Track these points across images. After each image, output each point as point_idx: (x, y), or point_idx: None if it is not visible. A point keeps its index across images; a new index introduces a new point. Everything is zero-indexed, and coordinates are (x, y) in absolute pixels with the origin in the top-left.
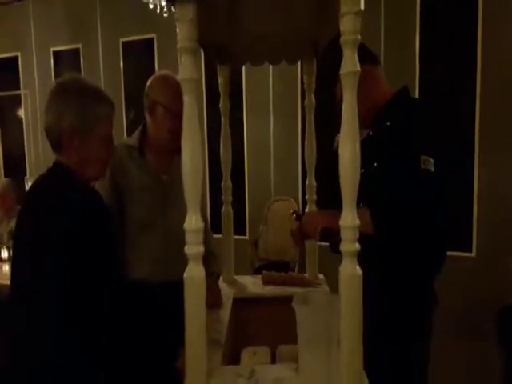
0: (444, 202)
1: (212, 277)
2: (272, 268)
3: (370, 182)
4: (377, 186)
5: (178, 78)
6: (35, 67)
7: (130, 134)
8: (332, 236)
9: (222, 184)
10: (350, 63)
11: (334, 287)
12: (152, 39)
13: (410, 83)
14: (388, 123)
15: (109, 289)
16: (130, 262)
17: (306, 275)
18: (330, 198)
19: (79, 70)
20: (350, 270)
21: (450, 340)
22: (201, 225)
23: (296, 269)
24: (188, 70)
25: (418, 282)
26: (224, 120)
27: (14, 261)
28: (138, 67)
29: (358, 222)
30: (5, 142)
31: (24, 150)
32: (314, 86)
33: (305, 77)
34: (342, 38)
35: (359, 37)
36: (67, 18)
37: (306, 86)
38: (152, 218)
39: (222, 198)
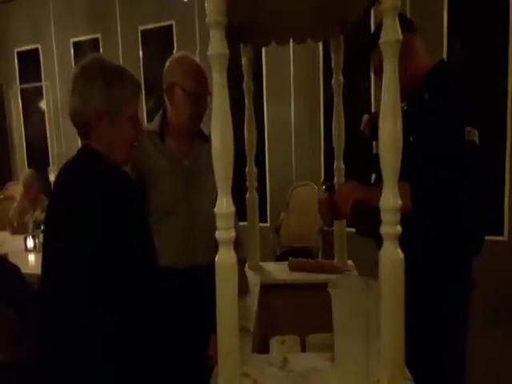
0: (484, 178)
1: (238, 263)
2: (294, 255)
3: (405, 158)
4: (414, 161)
5: (208, 53)
6: (55, 58)
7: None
8: (364, 212)
9: (247, 169)
10: (391, 31)
11: (363, 274)
12: (170, 26)
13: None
14: (426, 96)
15: (143, 273)
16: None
17: (335, 261)
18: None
19: None
20: (392, 254)
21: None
22: (232, 209)
23: (319, 256)
24: (217, 44)
25: (455, 264)
26: (248, 101)
27: (46, 245)
28: (157, 55)
29: (399, 202)
30: (28, 134)
31: (47, 140)
32: (341, 64)
33: (332, 55)
34: (382, 6)
35: (399, 3)
36: (86, 9)
37: (333, 64)
38: (174, 204)
39: (247, 183)
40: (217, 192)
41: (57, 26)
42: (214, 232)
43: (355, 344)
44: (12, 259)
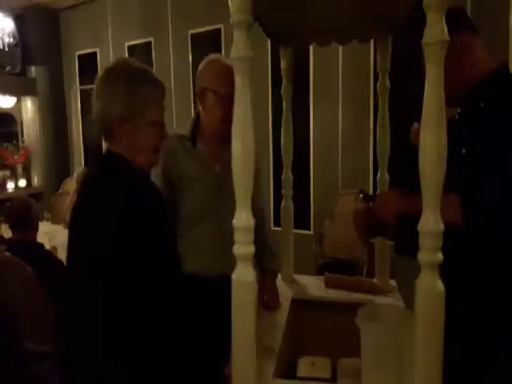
0: None
1: (268, 274)
2: (337, 267)
3: (457, 172)
4: (466, 174)
5: (231, 56)
6: (111, 61)
7: None
8: (409, 225)
9: (282, 176)
10: (436, 31)
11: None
12: (219, 30)
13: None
14: (482, 104)
15: (165, 281)
16: (181, 255)
17: (375, 280)
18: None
19: (151, 63)
20: (430, 285)
21: None
22: (251, 222)
23: (364, 270)
24: (240, 47)
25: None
26: (286, 106)
27: (70, 252)
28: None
29: (441, 226)
30: (86, 134)
31: (101, 140)
32: (388, 66)
33: (378, 57)
34: (425, 2)
35: None
36: (140, 13)
37: (378, 67)
38: (204, 210)
39: (282, 191)
40: (253, 199)
41: (113, 30)
42: None
43: (386, 382)
44: (60, 252)
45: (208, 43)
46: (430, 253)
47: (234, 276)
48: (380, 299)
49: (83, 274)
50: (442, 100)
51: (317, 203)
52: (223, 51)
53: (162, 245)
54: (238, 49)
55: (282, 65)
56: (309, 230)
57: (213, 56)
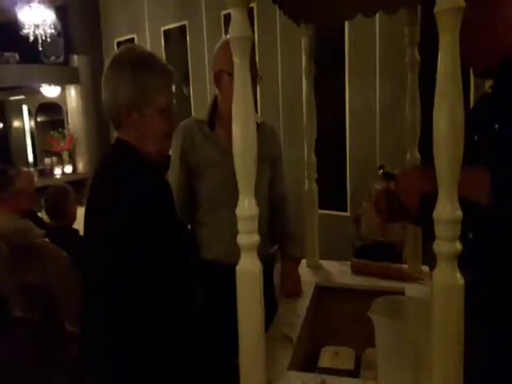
0: None
1: (290, 260)
2: (374, 249)
3: (490, 150)
4: (500, 152)
5: (228, 36)
6: (149, 47)
7: None
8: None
9: (305, 159)
10: None
11: None
12: (252, 9)
13: None
14: None
15: (176, 270)
16: (201, 242)
17: (406, 266)
18: None
19: (185, 46)
20: (448, 278)
21: None
22: (255, 211)
23: (404, 253)
24: (238, 26)
25: None
26: (308, 85)
27: (85, 242)
28: None
29: (459, 214)
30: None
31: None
32: (417, 38)
33: (406, 28)
34: None
35: None
36: None
37: (407, 39)
38: (223, 195)
39: (305, 174)
40: (270, 183)
41: (150, 16)
42: (266, 224)
43: (401, 380)
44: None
45: None
46: (447, 243)
47: (238, 267)
48: (409, 286)
49: (96, 270)
50: (458, 73)
51: (353, 184)
52: (256, 29)
53: (173, 238)
54: (235, 28)
55: (303, 41)
56: (346, 211)
57: (226, 37)
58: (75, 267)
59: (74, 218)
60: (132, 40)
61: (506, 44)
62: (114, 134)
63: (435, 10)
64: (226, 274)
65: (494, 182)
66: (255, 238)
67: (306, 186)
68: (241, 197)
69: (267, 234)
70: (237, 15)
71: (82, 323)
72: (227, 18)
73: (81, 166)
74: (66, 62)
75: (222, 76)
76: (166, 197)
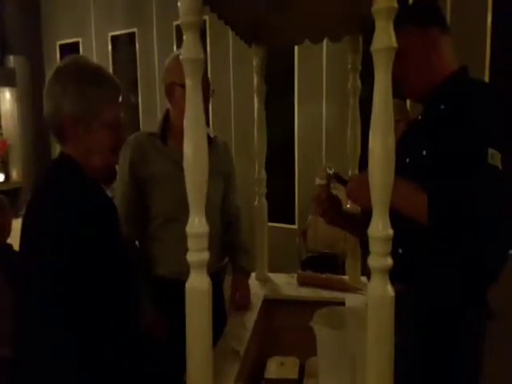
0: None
1: (241, 273)
2: (320, 261)
3: (418, 174)
4: (428, 177)
5: (180, 57)
6: (94, 52)
7: None
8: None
9: (256, 175)
10: (384, 37)
11: None
12: (204, 21)
13: (479, 64)
14: (442, 106)
15: (117, 292)
16: (154, 257)
17: (347, 277)
18: None
19: (134, 54)
20: (380, 290)
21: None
22: (205, 229)
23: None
24: (190, 48)
25: (469, 295)
26: (259, 103)
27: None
28: None
29: (390, 232)
30: None
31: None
32: (359, 66)
33: (349, 55)
34: (375, 6)
35: (395, 4)
36: (124, 3)
37: (350, 65)
38: (177, 209)
39: (256, 189)
40: (223, 197)
41: (96, 19)
42: (219, 238)
43: None
44: None
45: None
46: (379, 258)
47: (187, 284)
48: (350, 297)
49: (27, 292)
50: (390, 106)
51: (301, 198)
52: (208, 42)
53: (110, 258)
54: (188, 50)
55: (254, 62)
56: (294, 224)
57: (179, 51)
58: (7, 285)
59: (8, 232)
60: (76, 44)
61: (435, 75)
62: (56, 146)
63: (371, 48)
64: (180, 289)
65: (431, 202)
66: (205, 256)
67: (256, 201)
68: (191, 214)
69: (220, 248)
70: (189, 37)
71: (14, 347)
72: (179, 29)
73: (15, 175)
74: (1, 63)
75: (174, 88)
76: (104, 215)
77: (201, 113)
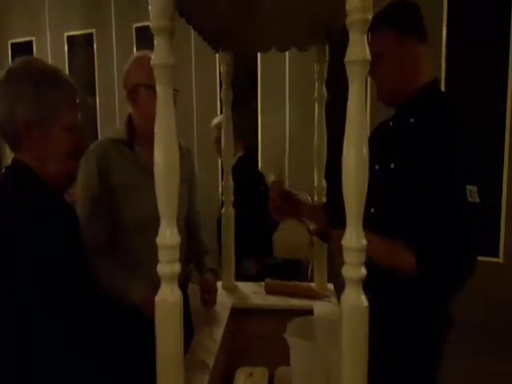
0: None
1: (209, 273)
2: (285, 267)
3: (386, 184)
4: (395, 194)
5: (151, 63)
6: (49, 52)
7: None
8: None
9: (223, 183)
10: (358, 49)
11: None
12: None
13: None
14: (412, 120)
15: (78, 304)
16: (125, 268)
17: (313, 285)
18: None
19: (92, 56)
20: (354, 300)
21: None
22: (177, 240)
23: (310, 269)
24: (162, 54)
25: (433, 305)
26: (225, 112)
27: None
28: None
29: (363, 242)
30: None
31: None
32: (325, 75)
33: (315, 65)
34: (349, 18)
35: (370, 16)
36: (81, 3)
37: (316, 75)
38: (149, 219)
39: (222, 197)
40: (190, 204)
41: (51, 18)
42: (184, 248)
43: None
44: None
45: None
46: (353, 268)
47: (157, 296)
48: (317, 304)
49: None
50: (364, 117)
51: None
52: None
53: (74, 271)
54: (159, 56)
55: (222, 68)
56: None
57: (139, 53)
58: None
59: None
60: (30, 43)
61: (410, 83)
62: (6, 147)
63: (345, 60)
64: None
65: (420, 263)
66: (176, 267)
67: (224, 210)
68: (162, 225)
69: (185, 256)
70: (161, 42)
71: None
72: (139, 30)
73: None
74: None
75: (138, 90)
76: (64, 224)
77: (172, 120)
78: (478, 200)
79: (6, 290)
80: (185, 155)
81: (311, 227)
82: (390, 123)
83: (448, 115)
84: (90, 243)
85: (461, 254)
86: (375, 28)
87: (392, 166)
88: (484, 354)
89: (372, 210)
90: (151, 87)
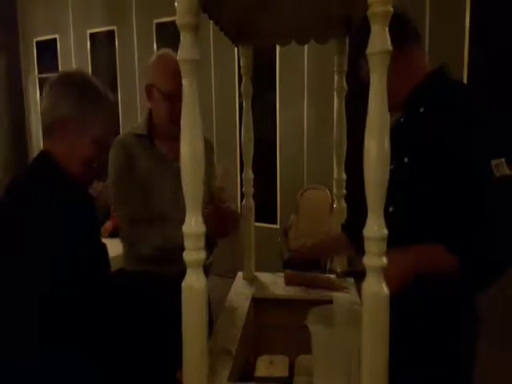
0: None
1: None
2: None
3: (402, 181)
4: (411, 186)
5: (178, 57)
6: (72, 49)
7: None
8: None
9: (243, 175)
10: (380, 41)
11: None
12: None
13: (457, 66)
14: (422, 109)
15: (98, 294)
16: (145, 256)
17: (333, 276)
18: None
19: (114, 52)
20: (375, 288)
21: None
22: (202, 229)
23: (328, 263)
24: (188, 49)
25: (460, 300)
26: (246, 105)
27: None
28: (172, 49)
29: (385, 231)
30: None
31: None
32: (345, 67)
33: (335, 57)
34: (370, 11)
35: (391, 8)
36: (103, 0)
37: (336, 67)
38: (168, 209)
39: (243, 189)
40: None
41: (74, 16)
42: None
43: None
44: None
45: (174, 33)
46: (375, 257)
47: (183, 283)
48: (336, 295)
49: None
50: (386, 108)
51: (283, 198)
52: None
53: (95, 260)
54: (184, 51)
55: (242, 63)
56: (275, 223)
57: (163, 51)
58: None
59: None
60: (54, 40)
61: (407, 82)
62: (33, 142)
63: (367, 51)
64: (167, 287)
65: (465, 267)
66: (201, 255)
67: (244, 201)
68: (188, 214)
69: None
70: (187, 38)
71: None
72: (159, 26)
73: None
74: None
75: (152, 90)
76: (86, 214)
77: (198, 113)
78: (507, 172)
79: (28, 279)
80: (206, 147)
81: (338, 270)
82: (402, 119)
83: (457, 94)
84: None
85: (498, 242)
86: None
87: (406, 160)
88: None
89: (391, 209)
90: (161, 91)
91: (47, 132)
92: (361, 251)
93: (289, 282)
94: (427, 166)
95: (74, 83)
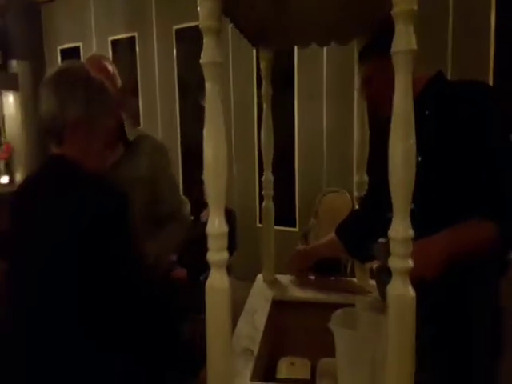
0: None
1: None
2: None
3: (419, 180)
4: (426, 184)
5: (200, 61)
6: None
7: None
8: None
9: (263, 177)
10: (404, 40)
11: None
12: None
13: (483, 67)
14: (427, 112)
15: (127, 285)
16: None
17: (355, 280)
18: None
19: (135, 58)
20: (401, 290)
21: None
22: (225, 229)
23: (349, 267)
24: (210, 52)
25: (480, 287)
26: (266, 108)
27: (13, 271)
28: (191, 54)
29: (411, 233)
30: None
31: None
32: None
33: (356, 57)
34: (395, 9)
35: (415, 7)
36: (124, 7)
37: (357, 67)
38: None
39: (263, 192)
40: None
41: (97, 24)
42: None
43: None
44: None
45: (193, 39)
46: (400, 259)
47: (207, 283)
48: (359, 299)
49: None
50: (411, 107)
51: (302, 201)
52: None
53: (123, 252)
54: (207, 54)
55: (262, 65)
56: (294, 227)
57: (91, 55)
58: None
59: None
60: (77, 48)
61: (413, 86)
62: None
63: (391, 50)
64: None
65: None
66: (225, 255)
67: (264, 203)
68: (211, 215)
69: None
70: (209, 41)
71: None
72: (179, 32)
73: (18, 177)
74: (4, 67)
75: None
76: (114, 208)
77: (220, 115)
78: None
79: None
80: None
81: (375, 266)
82: None
83: (463, 90)
84: None
85: None
86: (364, 59)
87: (419, 158)
88: None
89: (411, 207)
90: None
91: (56, 137)
92: (353, 255)
93: (309, 284)
94: (442, 158)
95: (77, 80)
